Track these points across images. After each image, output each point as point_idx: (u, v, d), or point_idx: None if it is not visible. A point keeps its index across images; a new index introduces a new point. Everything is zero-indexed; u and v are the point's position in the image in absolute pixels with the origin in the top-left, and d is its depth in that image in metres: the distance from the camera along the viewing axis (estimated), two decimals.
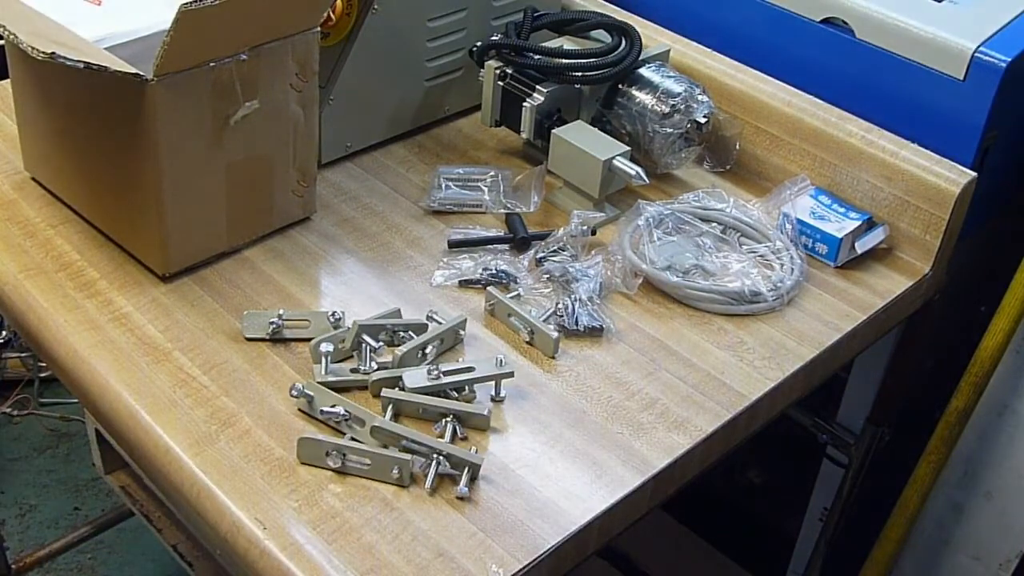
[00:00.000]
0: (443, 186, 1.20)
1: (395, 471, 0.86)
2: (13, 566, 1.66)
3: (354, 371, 0.95)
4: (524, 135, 1.23)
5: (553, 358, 1.00)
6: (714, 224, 1.16)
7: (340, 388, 0.94)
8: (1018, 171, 1.26)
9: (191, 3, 0.89)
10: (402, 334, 0.99)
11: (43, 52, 0.89)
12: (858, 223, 1.15)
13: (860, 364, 1.32)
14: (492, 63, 1.23)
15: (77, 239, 1.08)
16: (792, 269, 1.10)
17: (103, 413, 0.93)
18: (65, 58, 0.89)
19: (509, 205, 1.18)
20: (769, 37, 1.28)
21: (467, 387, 0.94)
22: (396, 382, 0.93)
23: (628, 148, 1.16)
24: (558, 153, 1.18)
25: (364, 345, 0.96)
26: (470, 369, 0.94)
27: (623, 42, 1.23)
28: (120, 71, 0.91)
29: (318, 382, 0.93)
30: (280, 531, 0.81)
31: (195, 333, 0.99)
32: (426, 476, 0.86)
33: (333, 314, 0.99)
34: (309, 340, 0.97)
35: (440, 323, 0.99)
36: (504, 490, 0.87)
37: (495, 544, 0.82)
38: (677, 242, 1.12)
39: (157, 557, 1.91)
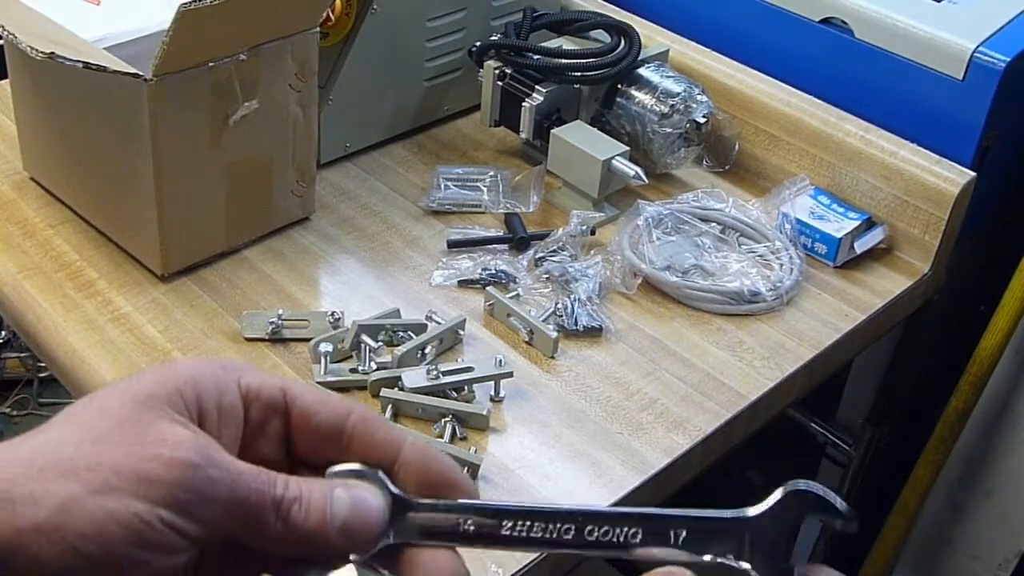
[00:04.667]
0: (442, 186, 1.20)
1: None
2: None
3: (353, 371, 0.95)
4: (523, 135, 1.23)
5: (552, 358, 1.00)
6: (713, 224, 1.16)
7: (339, 388, 0.94)
8: (1018, 171, 1.26)
9: (190, 3, 0.89)
10: (401, 334, 0.99)
11: (42, 52, 0.89)
12: (857, 223, 1.15)
13: (860, 364, 1.32)
14: (491, 63, 1.23)
15: (76, 239, 1.08)
16: (791, 269, 1.10)
17: None
18: (64, 58, 0.89)
19: (508, 205, 1.18)
20: (768, 37, 1.28)
21: (466, 387, 0.94)
22: (395, 382, 0.93)
23: (627, 148, 1.16)
24: (557, 153, 1.18)
25: (363, 345, 0.96)
26: (469, 369, 0.94)
27: (622, 42, 1.23)
28: (119, 71, 0.91)
29: (317, 382, 0.93)
30: None
31: (194, 333, 0.99)
32: None
33: (332, 314, 0.99)
34: (308, 340, 0.97)
35: (439, 323, 0.99)
36: (503, 490, 0.87)
37: None
38: (676, 242, 1.12)
39: None
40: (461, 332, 1.00)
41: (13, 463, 0.38)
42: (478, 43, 1.26)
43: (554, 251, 1.10)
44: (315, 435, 0.43)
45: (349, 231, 1.14)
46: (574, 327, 1.02)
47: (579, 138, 1.17)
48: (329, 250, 1.11)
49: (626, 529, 0.41)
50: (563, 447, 0.91)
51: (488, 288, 1.05)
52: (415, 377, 0.93)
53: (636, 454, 0.91)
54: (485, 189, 1.20)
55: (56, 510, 0.36)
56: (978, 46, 1.12)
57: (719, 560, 0.41)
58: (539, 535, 0.42)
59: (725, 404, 0.97)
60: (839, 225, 1.14)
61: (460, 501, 0.43)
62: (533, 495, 0.86)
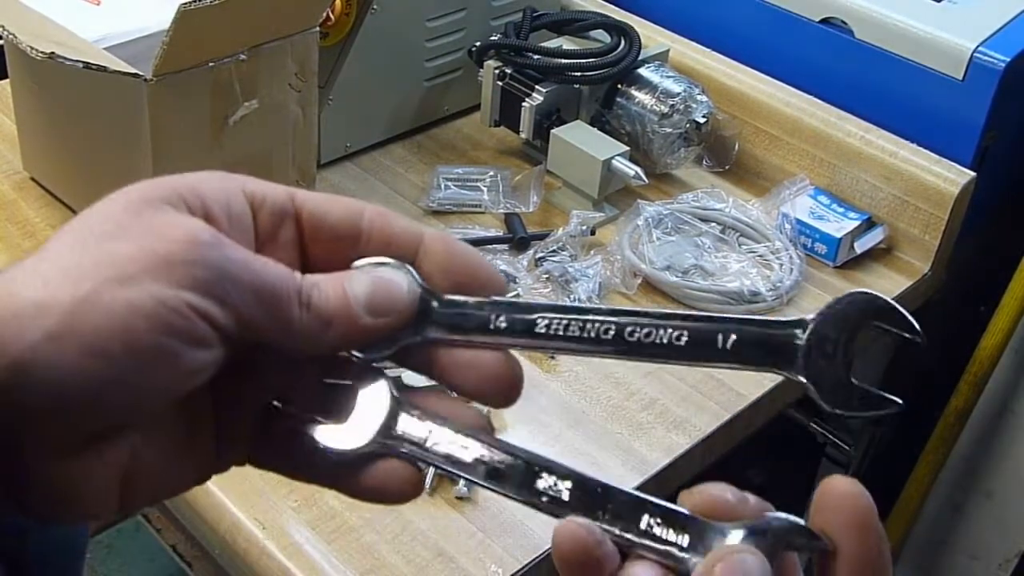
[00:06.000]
0: (442, 186, 1.20)
1: None
2: None
3: None
4: (523, 135, 1.23)
5: (552, 358, 1.00)
6: (713, 224, 1.16)
7: None
8: (1018, 171, 1.26)
9: (190, 3, 0.89)
10: None
11: (42, 52, 0.89)
12: (857, 223, 1.15)
13: (860, 364, 1.32)
14: (491, 63, 1.23)
15: None
16: (791, 269, 1.10)
17: None
18: (64, 58, 0.89)
19: (508, 205, 1.18)
20: (768, 37, 1.28)
21: None
22: (395, 381, 0.93)
23: (627, 148, 1.16)
24: (557, 153, 1.18)
25: None
26: None
27: (622, 42, 1.23)
28: (119, 71, 0.91)
29: None
30: (279, 531, 0.81)
31: None
32: (425, 476, 0.86)
33: None
34: None
35: None
36: None
37: (494, 544, 0.82)
38: (676, 242, 1.12)
39: (156, 557, 1.91)
40: None
41: (15, 279, 0.34)
42: (478, 43, 1.26)
43: (554, 251, 1.10)
44: (330, 236, 0.40)
45: None
46: None
47: (579, 138, 1.17)
48: None
49: (670, 331, 0.38)
50: (563, 447, 0.91)
51: None
52: (415, 377, 0.92)
53: (636, 454, 0.91)
54: (485, 189, 1.20)
55: (68, 313, 0.33)
56: (978, 46, 1.12)
57: (772, 368, 0.38)
58: (576, 333, 0.39)
59: (725, 404, 0.97)
60: (839, 225, 1.14)
61: (492, 297, 0.40)
62: None
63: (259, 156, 1.05)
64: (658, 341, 0.38)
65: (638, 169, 1.14)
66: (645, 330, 0.38)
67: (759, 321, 0.38)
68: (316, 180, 1.13)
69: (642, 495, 0.37)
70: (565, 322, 0.39)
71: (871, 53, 1.19)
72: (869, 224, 1.16)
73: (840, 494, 0.35)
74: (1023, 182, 1.28)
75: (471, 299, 0.40)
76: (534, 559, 0.81)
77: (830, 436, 1.40)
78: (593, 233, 1.12)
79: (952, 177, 1.12)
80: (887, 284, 1.13)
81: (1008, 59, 1.11)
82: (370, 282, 0.39)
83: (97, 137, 1.04)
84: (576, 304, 0.40)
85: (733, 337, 0.38)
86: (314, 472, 0.40)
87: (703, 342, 0.38)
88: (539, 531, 0.83)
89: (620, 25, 1.25)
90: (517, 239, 1.12)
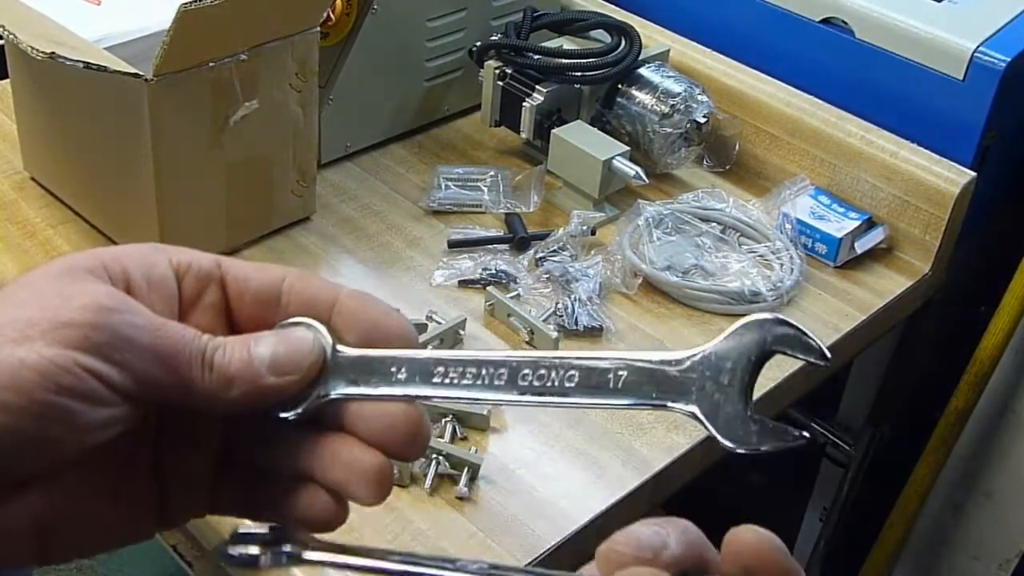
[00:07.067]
0: (443, 186, 1.20)
1: (395, 471, 0.86)
2: None
3: None
4: (524, 135, 1.23)
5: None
6: (714, 224, 1.16)
7: None
8: (1018, 171, 1.26)
9: (191, 3, 0.89)
10: None
11: (43, 52, 0.89)
12: (857, 223, 1.15)
13: (860, 364, 1.32)
14: (492, 63, 1.23)
15: (76, 239, 1.08)
16: (791, 269, 1.10)
17: None
18: (65, 58, 0.89)
19: (509, 205, 1.18)
20: (769, 37, 1.28)
21: None
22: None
23: (628, 148, 1.16)
24: (558, 153, 1.18)
25: None
26: None
27: (623, 42, 1.23)
28: (120, 71, 0.91)
29: None
30: None
31: None
32: (425, 476, 0.86)
33: None
34: None
35: (440, 323, 0.99)
36: (503, 490, 0.87)
37: (495, 544, 0.82)
38: (677, 242, 1.12)
39: (157, 557, 1.91)
40: (461, 332, 1.00)
41: None
42: (478, 43, 1.26)
43: (554, 251, 1.10)
44: (253, 300, 0.42)
45: (349, 231, 1.14)
46: (574, 327, 1.02)
47: (579, 138, 1.17)
48: (330, 250, 1.11)
49: (562, 373, 0.39)
50: (563, 447, 0.91)
51: (488, 288, 1.05)
52: None
53: (636, 454, 0.91)
54: (485, 189, 1.20)
55: None
56: (978, 46, 1.12)
57: (664, 404, 0.37)
58: (471, 381, 0.40)
59: None
60: (839, 225, 1.14)
61: (392, 350, 0.41)
62: (533, 495, 0.86)
63: (259, 156, 1.05)
64: (550, 384, 0.39)
65: (638, 169, 1.14)
66: (538, 373, 0.39)
67: (651, 358, 0.38)
68: (316, 180, 1.13)
69: (520, 567, 0.38)
70: (460, 370, 0.40)
71: (871, 53, 1.19)
72: (869, 224, 1.16)
73: (751, 547, 0.34)
74: (1023, 182, 1.28)
75: (374, 353, 0.41)
76: (534, 559, 0.81)
77: (830, 436, 1.40)
78: (593, 233, 1.12)
79: (952, 177, 1.12)
80: (887, 284, 1.14)
81: (1008, 59, 1.11)
82: (275, 342, 0.40)
83: (97, 137, 1.04)
84: (471, 353, 0.41)
85: (624, 375, 0.38)
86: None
87: (594, 383, 0.38)
88: (539, 531, 0.83)
89: (620, 25, 1.25)
90: (517, 239, 1.12)
